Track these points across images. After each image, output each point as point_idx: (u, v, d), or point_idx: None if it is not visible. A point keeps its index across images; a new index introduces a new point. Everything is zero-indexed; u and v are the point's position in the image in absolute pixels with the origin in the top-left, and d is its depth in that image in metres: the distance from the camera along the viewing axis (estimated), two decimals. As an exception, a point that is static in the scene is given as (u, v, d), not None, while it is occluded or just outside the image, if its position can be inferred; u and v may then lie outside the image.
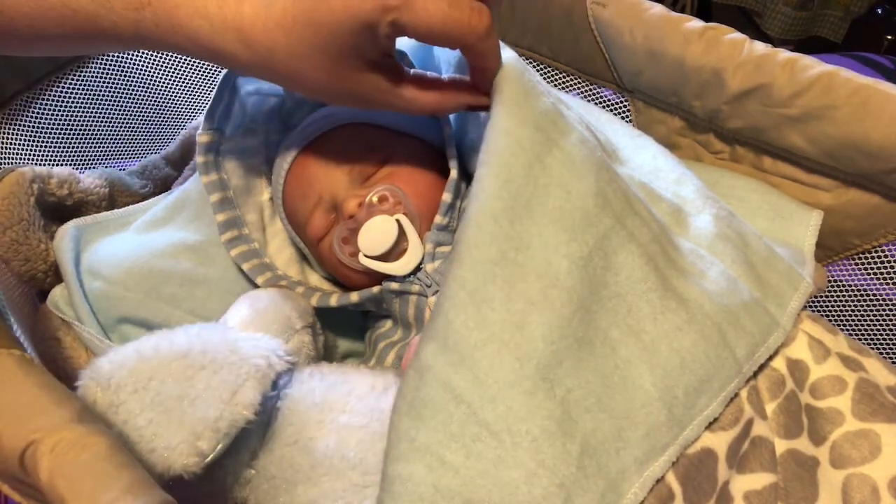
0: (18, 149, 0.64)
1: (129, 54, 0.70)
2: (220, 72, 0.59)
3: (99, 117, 0.70)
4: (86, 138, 0.69)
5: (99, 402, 0.40)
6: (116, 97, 0.71)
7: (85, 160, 0.70)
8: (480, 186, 0.42)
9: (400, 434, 0.38)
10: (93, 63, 0.67)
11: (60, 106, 0.66)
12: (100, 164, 0.71)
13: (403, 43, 0.61)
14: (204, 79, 0.76)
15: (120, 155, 0.73)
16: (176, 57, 0.73)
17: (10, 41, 0.46)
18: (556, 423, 0.38)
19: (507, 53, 0.51)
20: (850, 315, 0.60)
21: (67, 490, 0.32)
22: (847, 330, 0.61)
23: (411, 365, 0.40)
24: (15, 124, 0.63)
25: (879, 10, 1.43)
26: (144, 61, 0.71)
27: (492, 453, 0.37)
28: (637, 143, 0.56)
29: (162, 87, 0.74)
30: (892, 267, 0.55)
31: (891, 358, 0.58)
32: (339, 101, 0.47)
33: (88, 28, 0.44)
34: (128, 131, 0.73)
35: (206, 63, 0.75)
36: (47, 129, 0.66)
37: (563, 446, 0.38)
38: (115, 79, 0.70)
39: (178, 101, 0.76)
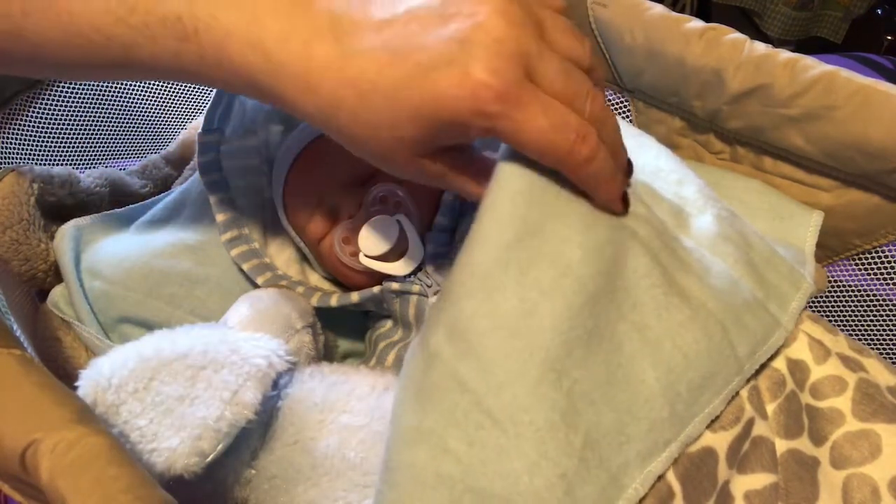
0: (18, 149, 0.64)
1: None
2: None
3: (99, 117, 0.70)
4: (86, 138, 0.69)
5: (99, 402, 0.40)
6: (117, 97, 0.71)
7: (85, 160, 0.70)
8: (500, 176, 0.41)
9: (403, 420, 0.38)
10: (93, 63, 0.67)
11: (60, 106, 0.66)
12: (100, 164, 0.71)
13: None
14: (204, 79, 0.76)
15: (120, 155, 0.73)
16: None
17: (36, 68, 0.42)
18: (560, 415, 0.37)
19: None
20: (850, 315, 0.60)
21: (68, 490, 0.32)
22: (847, 330, 0.61)
23: (416, 351, 0.40)
24: (15, 124, 0.63)
25: (879, 11, 1.43)
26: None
27: (494, 442, 0.37)
28: (638, 142, 0.56)
29: (162, 87, 0.74)
30: (892, 267, 0.55)
31: (891, 358, 0.58)
32: (399, 174, 0.42)
33: (122, 59, 0.39)
34: (128, 131, 0.73)
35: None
36: (47, 129, 0.66)
37: (566, 437, 0.37)
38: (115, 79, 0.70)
39: (178, 101, 0.76)
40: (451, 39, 0.35)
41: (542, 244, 0.39)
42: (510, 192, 0.40)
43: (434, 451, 0.37)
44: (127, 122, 0.73)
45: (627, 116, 0.63)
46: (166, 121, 0.76)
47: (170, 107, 0.76)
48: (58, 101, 0.66)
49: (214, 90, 0.59)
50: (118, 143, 0.73)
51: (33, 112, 0.64)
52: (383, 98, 0.36)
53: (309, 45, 0.36)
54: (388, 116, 0.37)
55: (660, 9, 0.57)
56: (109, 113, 0.71)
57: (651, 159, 0.54)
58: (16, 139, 0.64)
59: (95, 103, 0.69)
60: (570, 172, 0.39)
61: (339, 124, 0.38)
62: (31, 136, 0.65)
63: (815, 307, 0.63)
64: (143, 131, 0.75)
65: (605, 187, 0.40)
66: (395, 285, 0.54)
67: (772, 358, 0.45)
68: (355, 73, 0.36)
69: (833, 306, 0.61)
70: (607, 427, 0.39)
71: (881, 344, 0.59)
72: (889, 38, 1.40)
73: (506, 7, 0.36)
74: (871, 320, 0.59)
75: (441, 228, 0.55)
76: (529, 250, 0.39)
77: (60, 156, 0.68)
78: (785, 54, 0.53)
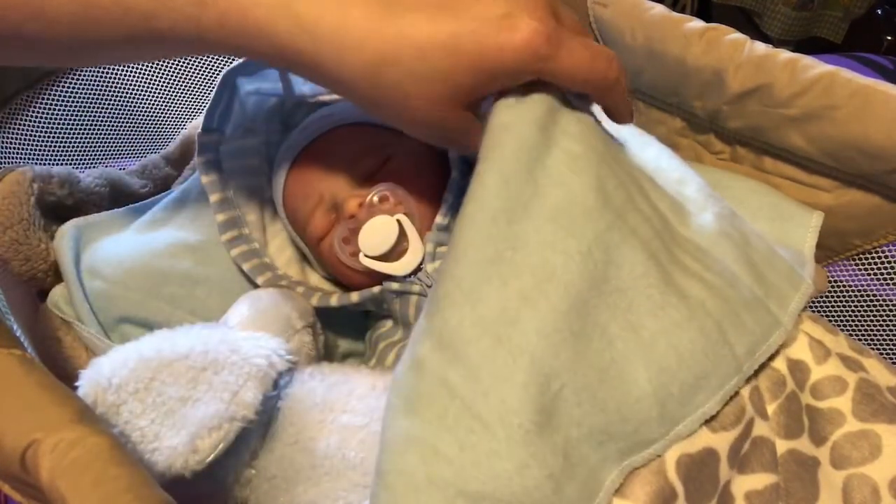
0: (18, 149, 0.64)
1: (129, 54, 0.69)
2: (220, 71, 0.59)
3: (99, 117, 0.70)
4: (86, 138, 0.69)
5: (100, 402, 0.40)
6: (117, 97, 0.71)
7: (85, 160, 0.70)
8: (480, 183, 0.42)
9: (395, 428, 0.39)
10: (93, 63, 0.67)
11: (60, 106, 0.66)
12: (100, 164, 0.71)
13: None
14: (205, 79, 0.76)
15: (120, 155, 0.73)
16: (176, 57, 0.73)
17: (51, 49, 0.40)
18: (547, 417, 0.38)
19: None
20: (850, 315, 0.60)
21: (68, 490, 0.32)
22: (847, 330, 0.61)
23: (405, 361, 0.40)
24: (15, 124, 0.63)
25: (879, 11, 1.43)
26: (144, 61, 0.71)
27: (485, 446, 0.37)
28: (640, 141, 0.56)
29: (162, 87, 0.74)
30: (892, 267, 0.55)
31: (891, 358, 0.58)
32: (419, 131, 0.43)
33: (141, 31, 0.39)
34: (128, 131, 0.73)
35: (207, 63, 0.75)
36: (47, 129, 0.66)
37: (551, 438, 0.38)
38: (115, 79, 0.70)
39: (178, 100, 0.76)
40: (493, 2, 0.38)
41: (525, 257, 0.40)
42: (491, 209, 0.40)
43: (426, 456, 0.37)
44: (127, 123, 0.73)
45: (627, 116, 0.63)
46: (166, 121, 0.76)
47: (170, 107, 0.76)
48: (58, 101, 0.66)
49: (214, 91, 0.59)
50: (118, 143, 0.73)
51: (33, 112, 0.64)
52: (442, 50, 0.37)
53: (343, 3, 0.37)
54: (445, 68, 0.38)
55: (660, 9, 0.57)
56: (109, 113, 0.70)
57: (652, 159, 0.54)
58: (16, 139, 0.64)
59: (96, 103, 0.69)
60: (605, 94, 0.44)
61: (387, 82, 0.39)
62: (31, 136, 0.65)
63: (815, 307, 0.63)
64: (143, 131, 0.75)
65: (625, 101, 0.45)
66: (395, 285, 0.54)
67: (772, 358, 0.45)
68: (406, 29, 0.37)
69: (833, 306, 0.61)
70: (592, 427, 0.39)
71: (881, 344, 0.59)
72: (889, 38, 1.40)
73: None
74: (871, 320, 0.59)
75: (441, 228, 0.55)
76: (511, 263, 0.40)
77: (60, 156, 0.68)
78: (785, 54, 0.53)
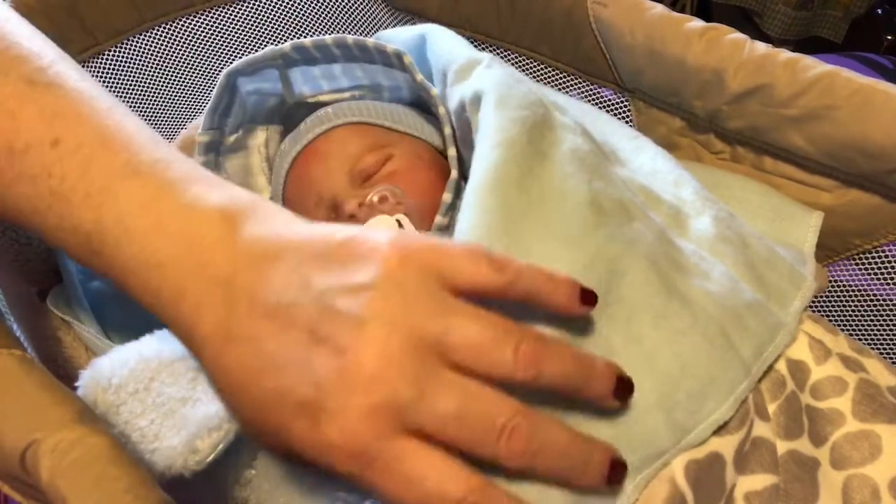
0: (18, 148, 0.64)
1: (130, 56, 0.69)
2: (220, 71, 0.59)
3: (99, 117, 0.70)
4: (86, 138, 0.69)
5: (100, 403, 0.40)
6: (116, 97, 0.70)
7: (85, 160, 0.70)
8: (473, 200, 0.41)
9: None
10: (92, 63, 0.67)
11: (60, 106, 0.66)
12: (100, 163, 0.71)
13: (399, 40, 0.61)
14: (205, 78, 0.76)
15: (120, 155, 0.73)
16: (176, 57, 0.73)
17: None
18: None
19: (500, 66, 0.51)
20: (850, 315, 0.60)
21: (68, 490, 0.32)
22: (847, 330, 0.61)
23: None
24: (15, 124, 0.63)
25: (879, 11, 1.43)
26: (144, 61, 0.71)
27: None
28: (635, 144, 0.56)
29: (162, 87, 0.74)
30: (892, 267, 0.55)
31: (891, 358, 0.58)
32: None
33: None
34: (128, 131, 0.73)
35: (207, 63, 0.75)
36: (47, 128, 0.66)
37: None
38: (115, 79, 0.69)
39: (178, 100, 0.76)
40: (311, 376, 0.31)
41: None
42: (486, 224, 0.40)
43: None
44: (127, 122, 0.72)
45: (628, 117, 0.63)
46: (166, 121, 0.76)
47: (170, 107, 0.76)
48: (58, 100, 0.65)
49: (214, 91, 0.59)
50: (118, 142, 0.72)
51: (33, 112, 0.64)
52: (248, 400, 0.34)
53: (198, 309, 0.35)
54: (251, 416, 0.35)
55: (660, 9, 0.57)
56: (109, 113, 0.70)
57: (648, 160, 0.54)
58: (16, 139, 0.63)
59: (95, 103, 0.69)
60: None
61: (218, 387, 0.37)
62: (31, 135, 0.64)
63: (815, 307, 0.63)
64: (143, 131, 0.75)
65: None
66: (395, 285, 0.54)
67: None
68: (228, 365, 0.34)
69: (833, 306, 0.61)
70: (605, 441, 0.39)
71: (881, 344, 0.59)
72: (889, 38, 1.40)
73: (385, 340, 0.31)
74: (871, 320, 0.59)
75: (441, 228, 0.55)
76: None
77: (60, 156, 0.67)
78: (785, 54, 0.53)
